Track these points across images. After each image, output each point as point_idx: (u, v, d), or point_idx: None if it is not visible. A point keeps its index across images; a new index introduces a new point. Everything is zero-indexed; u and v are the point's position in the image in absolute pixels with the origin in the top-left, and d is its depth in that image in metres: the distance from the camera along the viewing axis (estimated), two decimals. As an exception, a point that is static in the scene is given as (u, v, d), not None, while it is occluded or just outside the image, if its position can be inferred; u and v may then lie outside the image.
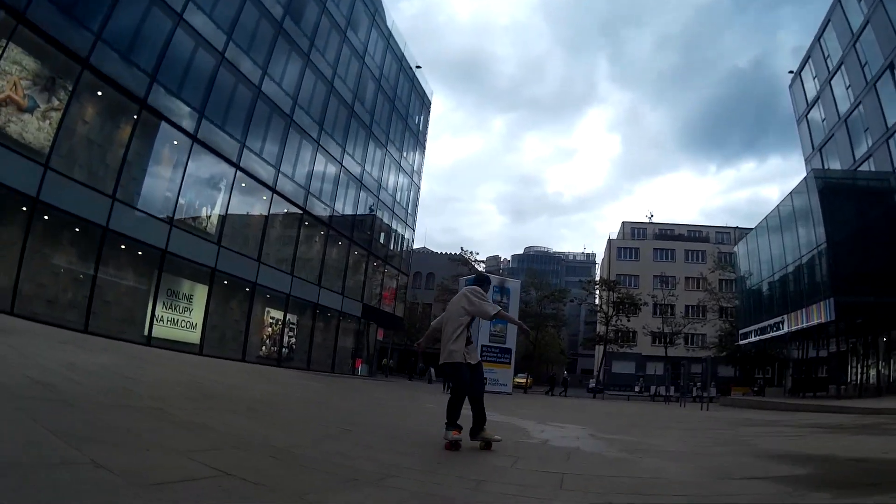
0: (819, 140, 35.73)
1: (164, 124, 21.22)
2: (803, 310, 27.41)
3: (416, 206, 48.96)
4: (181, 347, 21.34)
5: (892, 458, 6.00)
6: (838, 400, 23.19)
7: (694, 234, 74.92)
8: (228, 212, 25.13)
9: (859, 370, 28.10)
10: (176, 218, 21.86)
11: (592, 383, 52.26)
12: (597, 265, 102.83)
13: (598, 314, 61.96)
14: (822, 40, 34.83)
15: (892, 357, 25.14)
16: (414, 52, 46.97)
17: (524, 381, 46.43)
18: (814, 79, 36.44)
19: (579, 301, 69.31)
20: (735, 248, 46.28)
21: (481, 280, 6.49)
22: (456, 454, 5.33)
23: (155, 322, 20.84)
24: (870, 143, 28.44)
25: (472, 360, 5.90)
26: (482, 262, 66.93)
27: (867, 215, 26.24)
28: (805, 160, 38.13)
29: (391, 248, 43.98)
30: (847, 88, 31.17)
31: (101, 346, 13.51)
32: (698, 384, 38.36)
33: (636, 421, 14.25)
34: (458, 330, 5.86)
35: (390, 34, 41.52)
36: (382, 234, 42.40)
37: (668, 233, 74.85)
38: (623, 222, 78.49)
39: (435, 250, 74.75)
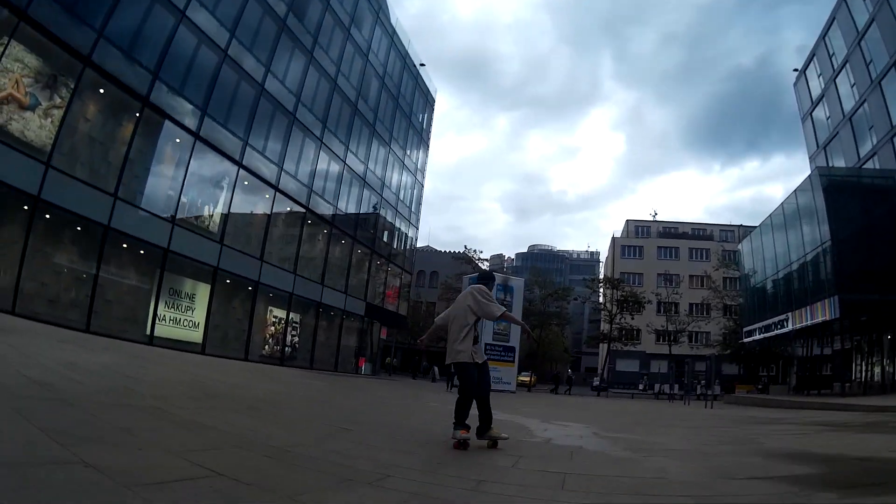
0: (824, 138, 35.65)
1: (166, 122, 21.22)
2: (808, 307, 27.31)
3: (419, 204, 48.90)
4: (183, 347, 21.31)
5: (899, 458, 5.91)
6: (843, 398, 23.09)
7: (698, 233, 74.68)
8: (231, 210, 25.09)
9: (864, 368, 28.02)
10: (178, 216, 21.82)
11: (596, 381, 52.25)
12: (601, 263, 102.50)
13: (602, 312, 61.78)
14: (826, 38, 34.76)
15: (897, 354, 25.09)
16: (418, 50, 46.94)
17: (528, 379, 46.35)
18: (818, 77, 36.35)
19: (583, 299, 69.10)
20: (739, 246, 46.14)
21: (486, 278, 6.47)
22: (458, 453, 5.29)
23: (157, 321, 20.82)
24: (874, 141, 28.43)
25: (479, 360, 5.88)
26: (486, 260, 66.72)
27: (872, 213, 26.13)
28: (809, 158, 38.06)
29: (395, 246, 43.94)
30: (852, 86, 31.11)
31: (102, 345, 13.49)
32: (702, 382, 38.24)
33: (640, 419, 14.17)
34: (464, 329, 5.82)
35: (394, 31, 41.43)
36: (386, 233, 42.35)
37: (672, 231, 74.61)
38: (627, 220, 78.41)
39: (439, 249, 74.73)
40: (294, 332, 30.40)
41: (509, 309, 29.67)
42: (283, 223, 30.00)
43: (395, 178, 43.40)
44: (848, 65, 31.45)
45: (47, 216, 17.13)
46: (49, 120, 16.74)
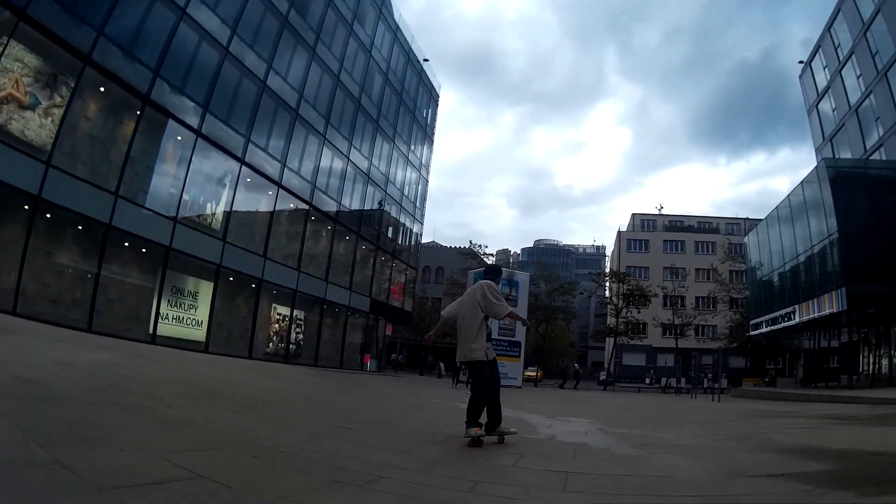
0: (830, 130, 35.43)
1: (167, 120, 21.12)
2: (815, 300, 27.11)
3: (424, 199, 48.75)
4: (186, 345, 21.20)
5: (914, 452, 5.74)
6: (850, 390, 22.87)
7: (704, 226, 74.29)
8: (234, 207, 24.96)
9: (871, 360, 27.77)
10: (180, 214, 21.72)
11: (603, 376, 51.99)
12: (607, 257, 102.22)
13: (609, 306, 61.50)
14: (832, 30, 34.52)
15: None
16: (422, 47, 46.77)
17: (534, 374, 46.16)
18: (824, 69, 36.11)
19: (589, 293, 68.74)
20: (745, 239, 45.79)
21: (493, 272, 6.47)
22: (456, 452, 5.17)
23: (160, 320, 20.74)
24: (881, 133, 28.24)
25: (491, 357, 5.86)
26: (491, 255, 66.50)
27: (879, 204, 25.86)
28: (816, 150, 37.81)
29: (399, 242, 43.81)
30: (858, 78, 30.91)
31: (103, 344, 13.40)
32: (709, 375, 38.06)
33: (647, 414, 14.01)
34: (477, 327, 5.79)
35: (397, 27, 41.23)
36: (390, 229, 42.24)
37: (678, 224, 74.30)
38: (633, 214, 78.05)
39: (444, 244, 74.65)
40: (298, 330, 30.32)
41: (515, 304, 29.74)
42: (287, 220, 29.86)
43: (400, 173, 43.25)
44: (854, 56, 31.21)
45: (48, 215, 17.05)
46: (49, 119, 16.65)
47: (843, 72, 32.84)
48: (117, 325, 19.05)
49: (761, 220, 40.37)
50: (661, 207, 78.30)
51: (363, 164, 36.52)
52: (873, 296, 24.08)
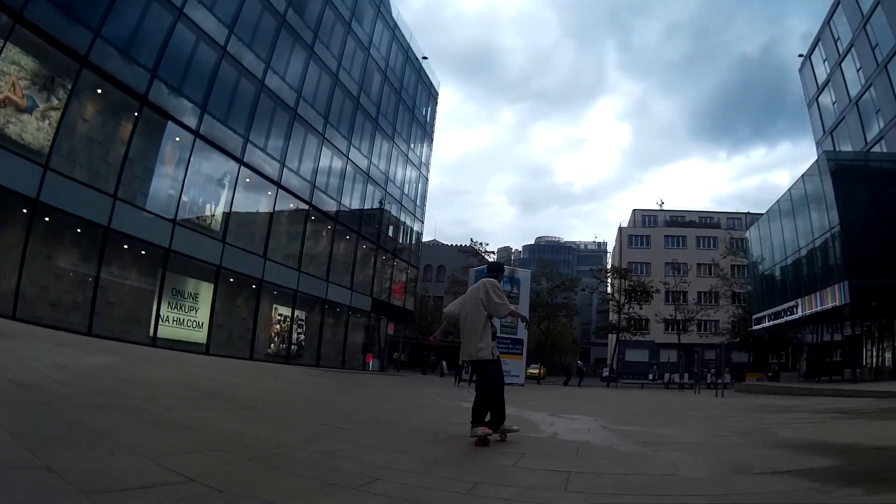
0: (830, 123, 35.39)
1: (165, 121, 21.05)
2: (817, 293, 27.06)
3: (424, 198, 48.70)
4: (187, 347, 21.17)
5: (920, 447, 5.67)
6: (854, 384, 22.80)
7: (705, 221, 74.23)
8: (233, 208, 24.88)
9: (874, 353, 27.72)
10: (179, 216, 21.65)
11: (606, 372, 51.94)
12: (608, 254, 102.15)
13: (610, 302, 61.49)
14: (831, 23, 34.48)
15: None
16: (422, 46, 46.72)
17: (537, 371, 46.11)
18: (824, 62, 36.06)
19: (591, 290, 68.67)
20: (747, 234, 45.73)
21: (496, 270, 6.45)
22: (456, 452, 5.10)
23: (160, 322, 20.69)
24: (882, 125, 28.21)
25: (495, 355, 5.84)
26: (492, 252, 66.55)
27: (880, 197, 25.82)
28: (816, 144, 37.77)
29: (400, 241, 43.75)
30: (858, 70, 30.88)
31: (102, 347, 13.37)
32: (712, 371, 37.93)
33: (650, 410, 13.93)
34: (483, 326, 5.77)
35: (396, 25, 41.14)
36: (391, 228, 42.19)
37: (678, 220, 74.19)
38: (634, 210, 77.96)
39: (445, 242, 74.55)
40: (300, 330, 30.27)
41: (516, 301, 29.68)
42: (287, 220, 29.78)
43: (400, 172, 43.18)
44: (853, 49, 31.16)
45: (46, 219, 16.98)
46: (47, 122, 16.59)
47: (842, 65, 32.80)
48: (117, 328, 18.99)
49: (762, 214, 40.28)
50: (662, 203, 78.46)
51: (363, 163, 36.44)
52: (876, 289, 24.03)
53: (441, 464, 4.46)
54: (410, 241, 46.02)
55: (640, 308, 55.13)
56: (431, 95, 49.47)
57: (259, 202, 27.30)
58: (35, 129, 16.28)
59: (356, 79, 35.15)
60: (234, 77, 24.47)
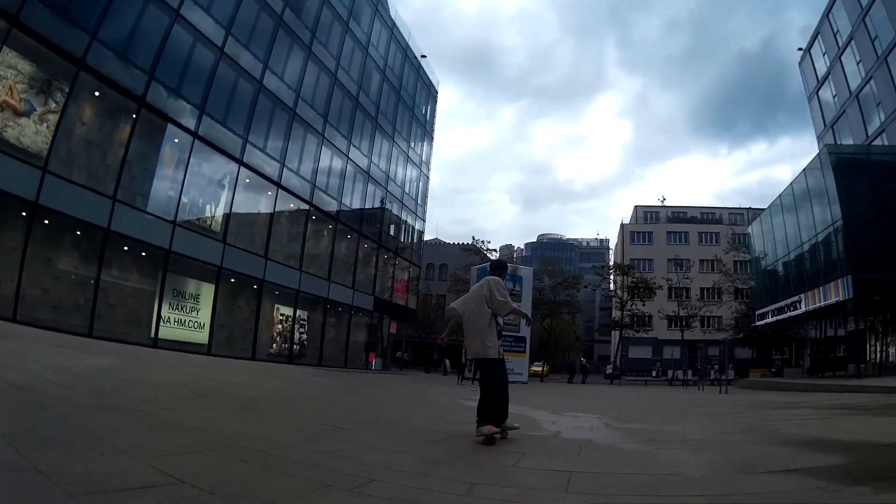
0: (831, 117, 35.20)
1: (163, 122, 21.03)
2: (820, 288, 26.92)
3: (425, 196, 48.66)
4: (189, 348, 21.13)
5: (928, 443, 5.59)
6: (858, 379, 22.68)
7: (707, 217, 74.07)
8: (233, 209, 24.85)
9: (878, 348, 27.56)
10: (179, 217, 21.62)
11: (609, 369, 51.90)
12: (610, 251, 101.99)
13: (613, 299, 61.36)
14: (830, 16, 34.28)
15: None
16: (422, 45, 46.75)
17: (540, 369, 46.06)
18: (823, 55, 35.87)
19: (593, 287, 68.65)
20: (749, 229, 45.61)
21: (499, 267, 6.48)
22: (455, 452, 5.05)
23: (161, 323, 20.65)
24: (882, 118, 28.02)
25: (500, 354, 5.86)
26: (494, 251, 66.52)
27: (882, 190, 25.65)
28: (817, 138, 37.58)
29: (402, 240, 43.71)
30: (858, 63, 30.69)
31: (103, 349, 13.34)
32: (716, 367, 37.77)
33: (654, 407, 13.87)
34: (488, 324, 5.76)
35: (394, 24, 41.07)
36: (392, 227, 42.15)
37: (680, 216, 74.05)
38: (635, 206, 77.83)
39: (447, 241, 74.50)
40: (302, 330, 30.24)
41: (519, 299, 29.63)
42: (287, 220, 29.74)
43: (400, 171, 43.14)
44: (853, 42, 30.98)
45: (46, 221, 16.97)
46: (45, 125, 16.57)
47: (842, 58, 32.60)
48: (118, 329, 18.95)
49: (764, 209, 40.15)
50: (664, 199, 77.92)
51: (363, 163, 36.39)
52: (879, 283, 23.88)
53: (440, 464, 4.41)
54: (412, 239, 45.97)
55: (643, 305, 55.02)
56: (431, 94, 49.41)
57: (259, 202, 27.26)
58: (33, 133, 16.25)
59: (355, 78, 35.09)
60: (233, 78, 24.41)
